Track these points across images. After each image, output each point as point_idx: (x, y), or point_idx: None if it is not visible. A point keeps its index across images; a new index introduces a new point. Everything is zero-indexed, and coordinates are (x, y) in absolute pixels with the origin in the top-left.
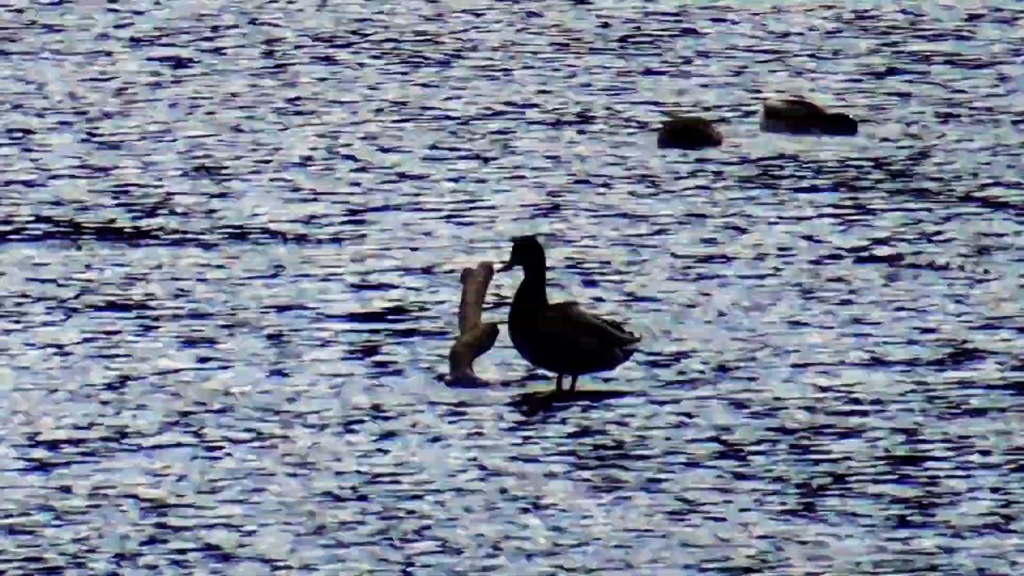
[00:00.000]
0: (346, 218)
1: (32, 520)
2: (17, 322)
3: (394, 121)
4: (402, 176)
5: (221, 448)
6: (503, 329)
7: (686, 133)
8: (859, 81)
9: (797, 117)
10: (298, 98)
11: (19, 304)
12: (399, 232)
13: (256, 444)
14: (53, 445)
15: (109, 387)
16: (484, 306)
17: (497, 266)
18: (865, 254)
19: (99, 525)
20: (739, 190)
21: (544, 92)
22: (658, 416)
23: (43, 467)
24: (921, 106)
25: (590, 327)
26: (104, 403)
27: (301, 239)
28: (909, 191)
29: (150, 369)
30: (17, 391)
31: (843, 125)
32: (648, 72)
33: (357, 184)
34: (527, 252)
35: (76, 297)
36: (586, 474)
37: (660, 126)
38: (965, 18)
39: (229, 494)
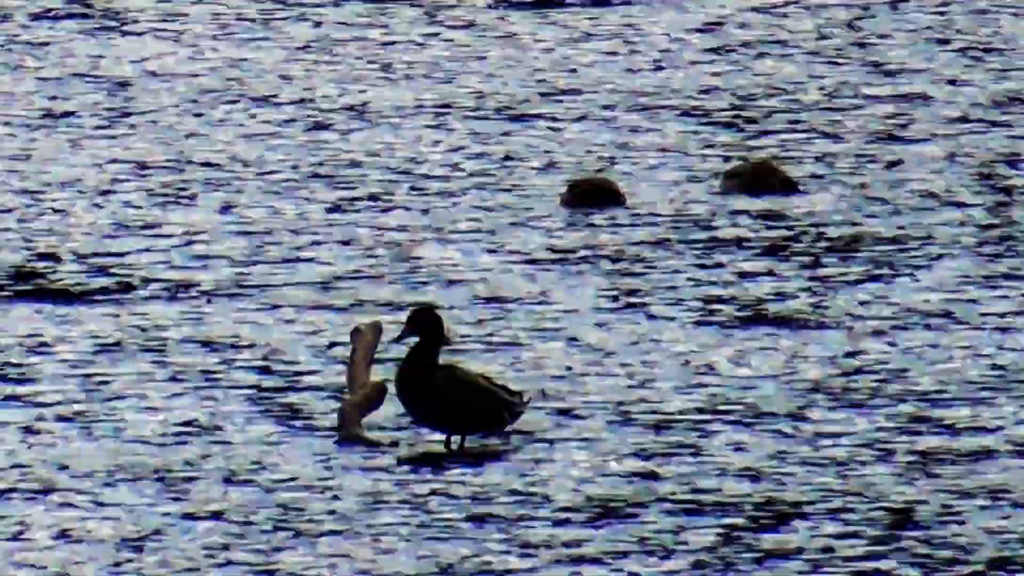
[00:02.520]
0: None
1: None
2: None
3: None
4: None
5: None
6: (392, 387)
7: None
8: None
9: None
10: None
11: None
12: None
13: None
14: None
15: None
16: (373, 365)
17: (388, 336)
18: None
19: None
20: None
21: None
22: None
23: None
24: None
25: (478, 388)
26: None
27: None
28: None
29: None
30: None
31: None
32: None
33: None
34: (423, 324)
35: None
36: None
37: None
38: None
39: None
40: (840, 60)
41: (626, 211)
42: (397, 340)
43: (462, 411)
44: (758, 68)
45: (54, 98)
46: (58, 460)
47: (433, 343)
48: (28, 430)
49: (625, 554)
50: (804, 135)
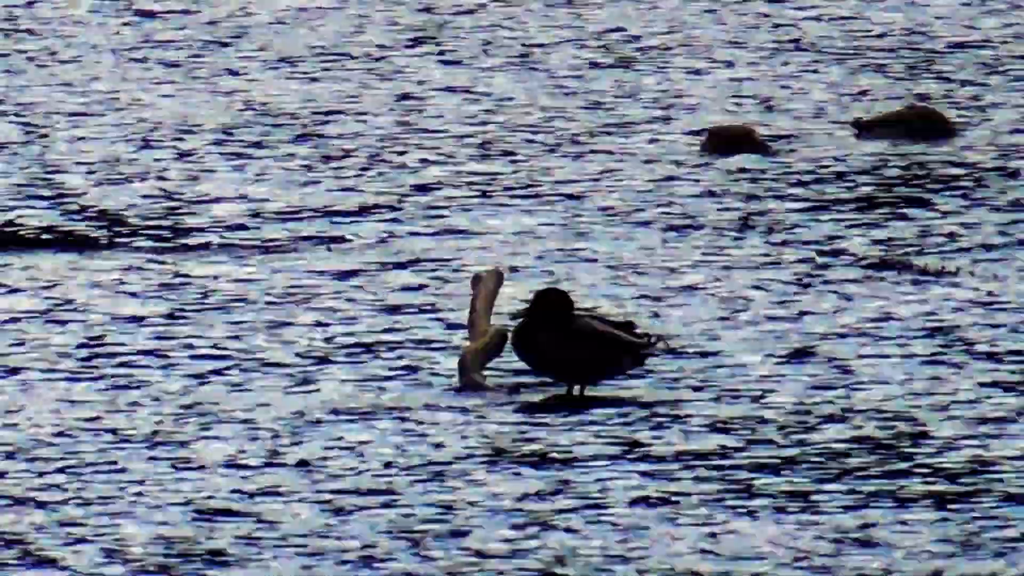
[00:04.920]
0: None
1: None
2: None
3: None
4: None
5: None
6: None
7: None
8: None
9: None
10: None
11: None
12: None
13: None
14: None
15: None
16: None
17: (511, 325)
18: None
19: None
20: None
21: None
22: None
23: None
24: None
25: (592, 337)
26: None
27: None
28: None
29: None
30: None
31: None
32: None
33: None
34: (548, 305)
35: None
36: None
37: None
38: None
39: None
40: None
41: (769, 159)
42: (518, 317)
43: (576, 366)
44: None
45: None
46: None
47: (562, 324)
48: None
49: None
50: (959, 79)
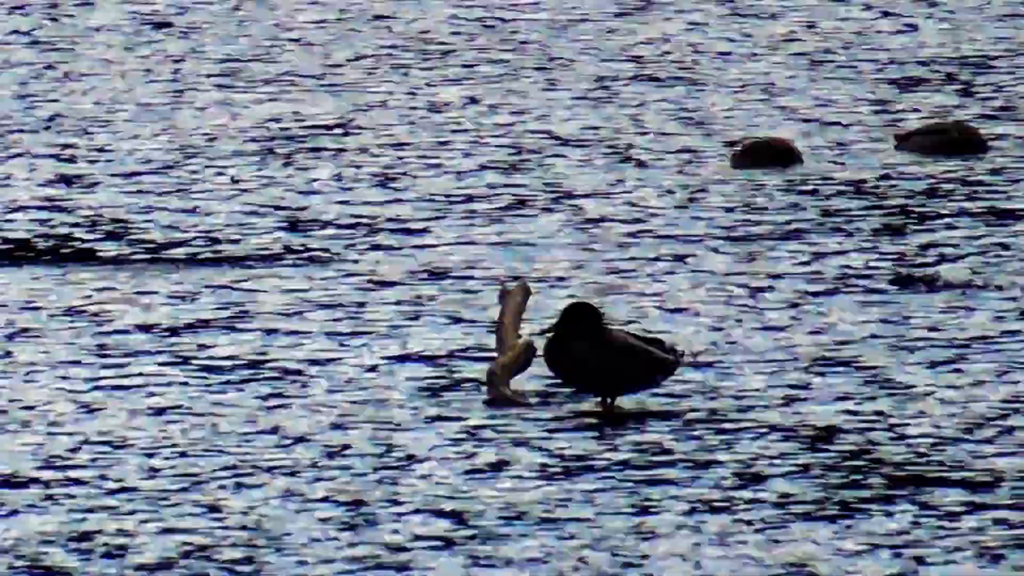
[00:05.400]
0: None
1: None
2: None
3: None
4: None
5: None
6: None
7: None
8: None
9: None
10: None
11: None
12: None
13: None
14: None
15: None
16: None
17: (539, 338)
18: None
19: None
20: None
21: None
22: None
23: None
24: None
25: (626, 349)
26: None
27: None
28: None
29: None
30: None
31: None
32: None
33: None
34: (578, 319)
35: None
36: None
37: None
38: None
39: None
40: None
41: (802, 171)
42: (547, 332)
43: (611, 376)
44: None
45: None
46: None
47: (595, 338)
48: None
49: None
50: (990, 94)
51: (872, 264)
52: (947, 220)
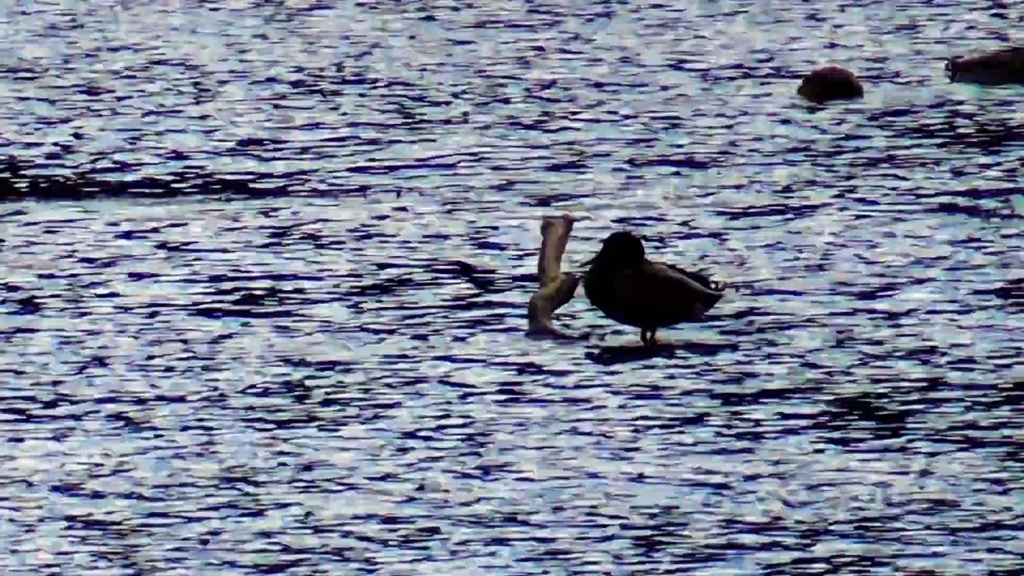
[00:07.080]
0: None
1: None
2: None
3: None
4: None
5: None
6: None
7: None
8: None
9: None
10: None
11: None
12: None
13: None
14: None
15: None
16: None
17: (580, 270)
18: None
19: None
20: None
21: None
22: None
23: None
24: None
25: (664, 282)
26: None
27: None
28: None
29: None
30: None
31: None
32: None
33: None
34: (622, 252)
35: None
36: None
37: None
38: None
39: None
40: None
41: (862, 104)
42: (588, 264)
43: (652, 308)
44: None
45: None
46: None
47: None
48: None
49: None
50: None
51: (932, 192)
52: (1006, 148)
